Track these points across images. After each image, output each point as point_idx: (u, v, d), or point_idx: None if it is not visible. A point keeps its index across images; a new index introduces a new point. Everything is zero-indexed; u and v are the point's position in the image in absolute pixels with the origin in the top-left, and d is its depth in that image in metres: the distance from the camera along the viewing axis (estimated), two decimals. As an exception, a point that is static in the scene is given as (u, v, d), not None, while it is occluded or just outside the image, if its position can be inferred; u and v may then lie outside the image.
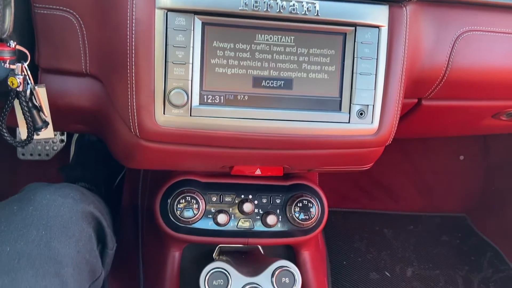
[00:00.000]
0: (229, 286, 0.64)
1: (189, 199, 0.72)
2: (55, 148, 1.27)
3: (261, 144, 0.58)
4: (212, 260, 0.82)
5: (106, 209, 0.64)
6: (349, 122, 0.59)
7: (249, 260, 0.75)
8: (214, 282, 0.64)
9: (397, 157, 1.51)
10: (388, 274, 1.26)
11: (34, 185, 0.55)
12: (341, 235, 1.37)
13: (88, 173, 1.08)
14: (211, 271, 0.65)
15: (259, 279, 0.66)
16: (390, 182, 1.51)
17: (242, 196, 0.75)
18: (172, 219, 0.72)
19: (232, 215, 0.74)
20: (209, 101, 0.56)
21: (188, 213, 0.71)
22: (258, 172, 0.67)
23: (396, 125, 0.61)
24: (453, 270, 1.31)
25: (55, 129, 0.75)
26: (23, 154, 1.26)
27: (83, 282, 0.51)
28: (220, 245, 0.78)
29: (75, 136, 1.24)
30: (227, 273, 0.65)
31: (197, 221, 0.72)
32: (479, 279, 1.29)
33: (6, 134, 0.61)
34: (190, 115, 0.55)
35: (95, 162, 1.14)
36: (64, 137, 1.26)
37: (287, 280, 0.66)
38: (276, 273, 0.66)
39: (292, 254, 0.82)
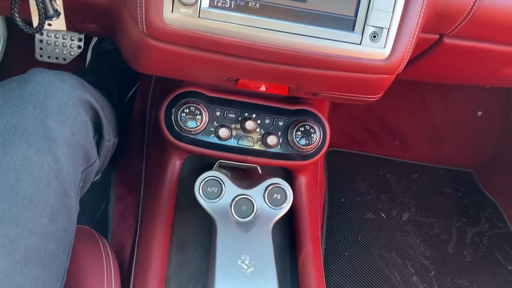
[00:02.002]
0: (222, 194, 0.66)
1: (193, 110, 0.72)
2: (72, 53, 1.28)
3: (268, 56, 0.57)
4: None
5: (108, 106, 0.65)
6: (360, 44, 0.57)
7: (245, 175, 0.77)
8: (208, 189, 0.66)
9: (413, 104, 1.48)
10: (383, 215, 1.29)
11: (35, 68, 0.56)
12: (344, 174, 1.39)
13: (101, 80, 1.09)
14: (206, 179, 0.67)
15: (251, 192, 0.68)
16: (401, 129, 1.49)
17: (246, 114, 0.76)
18: (176, 128, 0.73)
19: (234, 131, 0.75)
20: (219, 4, 0.55)
21: (191, 123, 0.72)
22: (263, 88, 0.67)
23: (409, 53, 0.59)
24: (449, 221, 1.33)
25: (68, 28, 0.75)
26: (41, 56, 1.27)
27: (76, 165, 0.52)
28: (220, 160, 0.80)
29: (93, 42, 1.24)
30: (221, 182, 0.67)
31: (199, 132, 0.74)
32: (473, 232, 1.31)
33: (18, 19, 0.61)
34: (198, 17, 0.54)
35: (109, 70, 1.14)
36: (82, 43, 1.27)
37: (278, 196, 0.68)
38: (269, 188, 0.68)
39: (289, 178, 0.84)
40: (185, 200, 0.78)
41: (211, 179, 0.67)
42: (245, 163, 0.77)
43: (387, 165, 1.46)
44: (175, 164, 0.79)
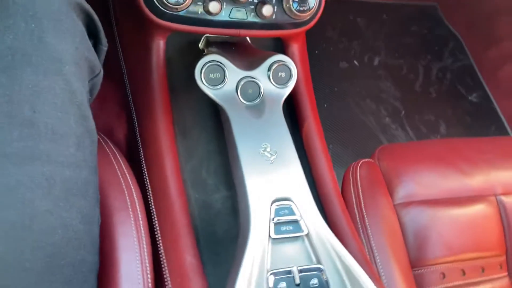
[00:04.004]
0: (225, 79, 0.62)
1: (177, -17, 0.62)
2: None
3: None
4: (198, 50, 0.78)
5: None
6: None
7: (242, 53, 0.72)
8: (210, 75, 0.62)
9: None
10: (356, 63, 1.31)
11: None
12: (314, 25, 1.34)
13: None
14: (207, 65, 0.62)
15: (255, 73, 0.64)
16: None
17: (236, -18, 0.66)
18: (157, 3, 0.64)
19: (224, 3, 0.66)
20: None
21: (175, -2, 0.63)
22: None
23: None
24: (416, 60, 1.38)
25: None
26: None
27: (84, 81, 0.46)
28: (206, 35, 0.73)
29: None
30: (222, 66, 0.62)
31: (186, 8, 0.65)
32: (438, 68, 1.38)
33: None
34: None
35: None
36: None
37: (283, 74, 0.65)
38: (273, 67, 0.64)
39: (280, 47, 0.80)
40: (175, 83, 0.73)
41: (212, 65, 0.62)
42: (239, 36, 0.71)
43: (356, 8, 1.42)
44: (159, 44, 0.71)
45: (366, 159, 0.81)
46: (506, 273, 0.76)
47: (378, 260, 0.67)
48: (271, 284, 0.46)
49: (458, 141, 0.90)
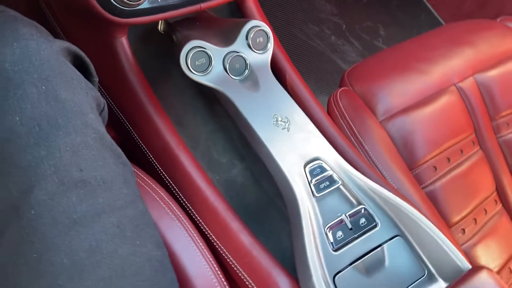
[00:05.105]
0: (212, 62, 0.62)
1: (131, -22, 0.58)
2: None
3: None
4: (158, 33, 0.75)
5: None
6: None
7: (210, 26, 0.70)
8: (196, 63, 0.61)
9: None
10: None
11: None
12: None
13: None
14: (190, 53, 0.61)
15: (235, 46, 0.64)
16: None
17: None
18: (115, 3, 0.60)
19: (182, -20, 0.64)
20: None
21: (133, -6, 0.59)
22: None
23: None
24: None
25: None
26: None
27: (99, 119, 0.45)
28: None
29: None
30: (205, 50, 0.61)
31: (145, 1, 0.62)
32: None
33: None
34: None
35: None
36: None
37: (261, 39, 0.66)
38: (251, 36, 0.64)
39: (235, 11, 0.79)
40: (149, 75, 0.71)
41: (195, 52, 0.61)
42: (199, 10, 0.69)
43: None
44: (123, 43, 0.68)
45: (342, 88, 0.86)
46: (478, 147, 0.89)
47: (382, 169, 0.75)
48: (330, 236, 0.53)
49: (408, 44, 0.98)
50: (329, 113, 0.84)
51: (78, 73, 0.44)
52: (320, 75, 1.15)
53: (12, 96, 0.38)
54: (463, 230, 0.82)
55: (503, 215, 0.88)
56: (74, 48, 0.47)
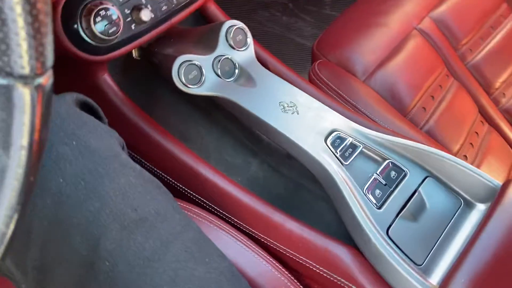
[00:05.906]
0: (203, 72, 0.63)
1: (103, 14, 0.57)
2: None
3: None
4: (134, 60, 0.75)
5: None
6: None
7: (185, 39, 0.71)
8: (189, 77, 0.62)
9: None
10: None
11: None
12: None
13: None
14: (182, 69, 0.61)
15: (220, 50, 0.65)
16: None
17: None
18: (91, 42, 0.59)
19: (148, 5, 0.64)
20: None
21: (111, 29, 0.58)
22: None
23: None
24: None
25: None
26: None
27: (127, 157, 0.45)
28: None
29: None
30: (193, 62, 0.62)
31: (120, 33, 0.62)
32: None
33: None
34: None
35: None
36: None
37: (240, 37, 0.66)
38: (230, 37, 0.65)
39: (199, 15, 0.79)
40: (140, 102, 0.71)
41: (185, 67, 0.62)
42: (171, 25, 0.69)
43: None
44: (106, 79, 0.67)
45: (317, 62, 0.89)
46: (452, 78, 0.95)
47: (382, 123, 0.79)
48: (371, 197, 0.55)
49: (359, 4, 1.02)
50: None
51: (95, 119, 0.45)
52: (286, 56, 1.17)
53: (48, 160, 0.37)
54: (465, 156, 0.87)
55: (492, 132, 0.95)
56: (81, 96, 0.47)
